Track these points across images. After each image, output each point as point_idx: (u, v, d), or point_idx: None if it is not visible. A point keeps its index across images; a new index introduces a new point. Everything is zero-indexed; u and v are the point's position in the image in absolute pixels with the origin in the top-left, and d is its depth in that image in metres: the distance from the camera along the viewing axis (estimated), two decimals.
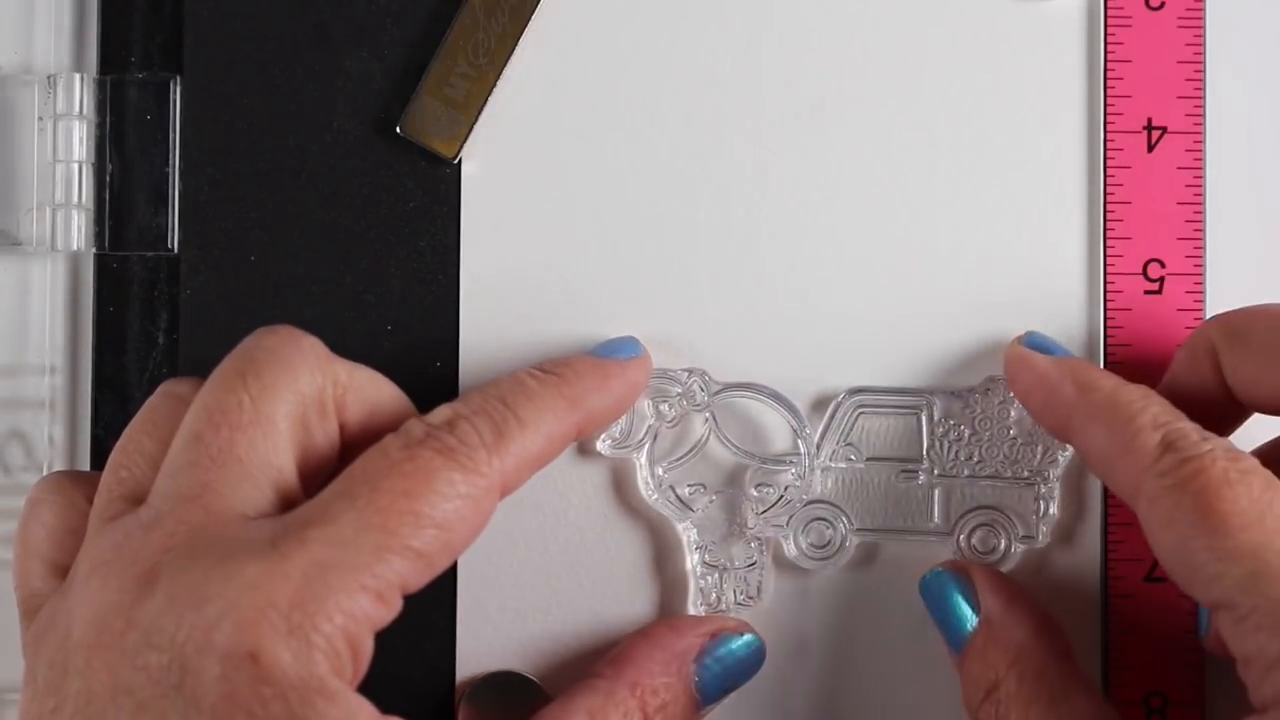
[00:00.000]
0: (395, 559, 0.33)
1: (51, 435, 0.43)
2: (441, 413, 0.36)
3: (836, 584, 0.42)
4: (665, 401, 0.42)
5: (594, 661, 0.41)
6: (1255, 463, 0.35)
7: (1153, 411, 0.36)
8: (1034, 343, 0.41)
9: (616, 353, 0.41)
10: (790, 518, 0.42)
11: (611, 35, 0.43)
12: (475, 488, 0.34)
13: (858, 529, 0.42)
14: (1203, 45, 0.43)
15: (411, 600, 0.34)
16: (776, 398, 0.42)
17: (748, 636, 0.41)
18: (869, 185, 0.43)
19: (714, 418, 0.42)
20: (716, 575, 0.42)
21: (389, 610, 0.33)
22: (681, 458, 0.42)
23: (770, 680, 0.42)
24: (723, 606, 0.41)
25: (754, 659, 0.41)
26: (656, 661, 0.39)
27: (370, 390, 0.38)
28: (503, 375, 0.38)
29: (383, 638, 0.34)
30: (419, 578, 0.34)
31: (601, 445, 0.41)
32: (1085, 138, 0.43)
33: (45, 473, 0.43)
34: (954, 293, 0.43)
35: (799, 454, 0.42)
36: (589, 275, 0.43)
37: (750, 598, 0.41)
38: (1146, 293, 0.42)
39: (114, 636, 0.32)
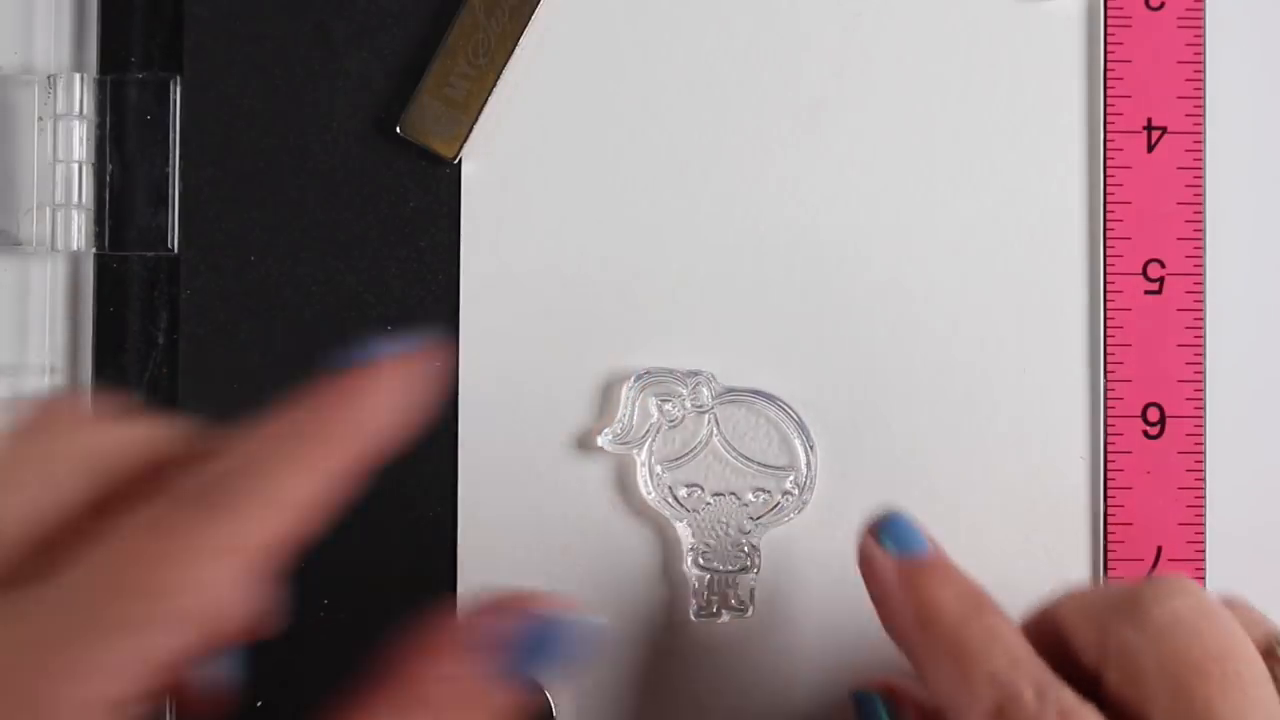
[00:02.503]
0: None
1: None
2: None
3: (831, 590, 0.42)
4: (669, 401, 0.42)
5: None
6: None
7: (993, 663, 0.33)
8: (890, 529, 0.36)
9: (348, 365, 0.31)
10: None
11: (611, 35, 0.43)
12: None
13: None
14: (1203, 45, 0.43)
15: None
16: (779, 403, 0.42)
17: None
18: (869, 185, 0.43)
19: (716, 420, 0.42)
20: (709, 578, 0.41)
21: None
22: (681, 458, 0.42)
23: (765, 685, 0.42)
24: (714, 610, 0.41)
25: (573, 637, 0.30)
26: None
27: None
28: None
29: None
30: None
31: (603, 440, 0.41)
32: (1085, 138, 0.43)
33: None
34: (954, 293, 0.43)
35: (799, 460, 0.42)
36: (589, 275, 0.43)
37: (742, 603, 0.41)
38: (1146, 293, 0.42)
39: None
